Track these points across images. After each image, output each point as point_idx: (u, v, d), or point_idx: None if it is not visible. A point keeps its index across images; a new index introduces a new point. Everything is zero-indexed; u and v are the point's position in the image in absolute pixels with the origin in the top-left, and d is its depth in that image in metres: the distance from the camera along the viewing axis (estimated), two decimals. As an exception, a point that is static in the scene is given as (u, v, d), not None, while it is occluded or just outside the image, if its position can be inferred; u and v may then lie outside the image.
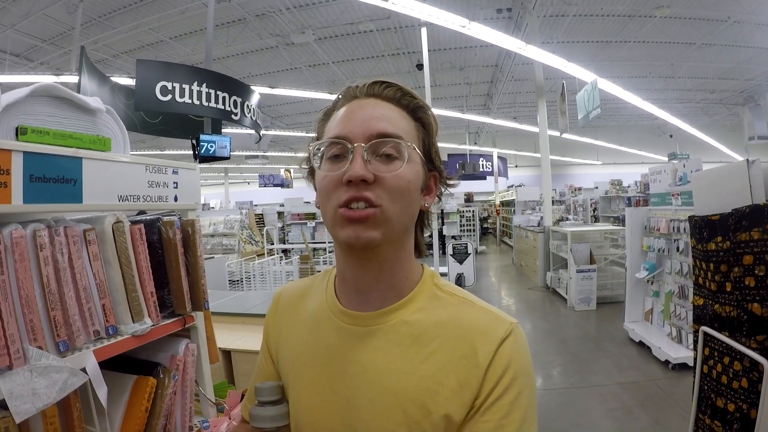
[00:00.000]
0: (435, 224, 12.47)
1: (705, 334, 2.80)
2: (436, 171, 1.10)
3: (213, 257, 11.18)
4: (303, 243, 12.73)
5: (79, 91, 6.06)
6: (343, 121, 1.00)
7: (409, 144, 0.98)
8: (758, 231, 2.46)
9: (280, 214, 17.92)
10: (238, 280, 10.35)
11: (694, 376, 2.91)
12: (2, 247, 1.24)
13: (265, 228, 15.26)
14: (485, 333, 0.96)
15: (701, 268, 2.88)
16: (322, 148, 1.01)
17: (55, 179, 1.41)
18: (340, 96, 1.11)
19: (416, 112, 1.06)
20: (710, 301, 2.77)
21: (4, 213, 1.30)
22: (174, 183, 1.97)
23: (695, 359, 2.90)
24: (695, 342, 2.90)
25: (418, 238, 1.13)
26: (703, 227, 2.84)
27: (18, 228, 1.29)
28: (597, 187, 21.67)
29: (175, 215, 1.97)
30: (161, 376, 1.74)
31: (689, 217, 3.05)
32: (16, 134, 1.41)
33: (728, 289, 2.62)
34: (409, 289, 1.06)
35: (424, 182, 1.05)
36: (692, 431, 2.89)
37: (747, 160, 2.58)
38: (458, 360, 0.94)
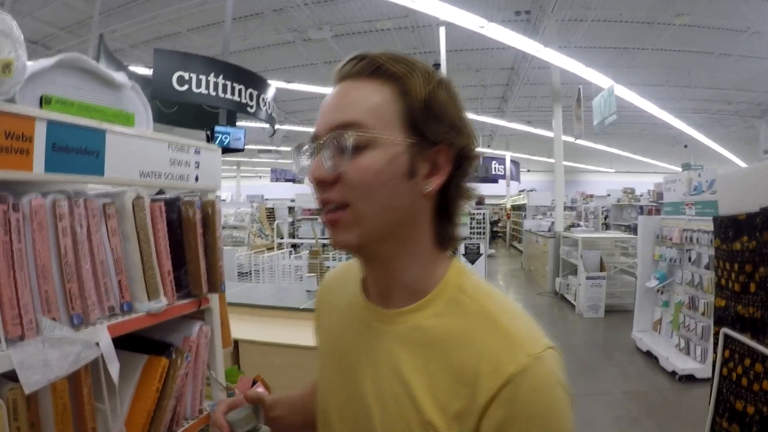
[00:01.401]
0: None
1: (726, 336, 2.77)
2: (444, 143, 0.90)
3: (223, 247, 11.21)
4: (313, 238, 12.76)
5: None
6: (318, 116, 0.94)
7: (352, 133, 0.85)
8: (786, 231, 2.42)
9: (290, 209, 17.96)
10: (247, 273, 10.36)
11: (712, 379, 2.88)
12: (20, 215, 1.22)
13: (276, 222, 15.28)
14: (493, 362, 0.80)
15: (724, 269, 2.84)
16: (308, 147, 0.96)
17: (78, 150, 1.40)
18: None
19: (397, 79, 0.90)
20: (733, 302, 2.74)
21: (25, 181, 1.28)
22: (196, 163, 1.95)
23: (714, 362, 2.87)
24: (715, 344, 2.87)
25: (437, 228, 0.97)
26: (728, 226, 2.80)
27: (38, 197, 1.27)
28: (609, 195, 21.63)
29: (195, 195, 1.96)
30: (174, 356, 1.72)
31: (714, 217, 3.01)
32: (41, 103, 1.40)
33: (752, 290, 2.58)
34: (428, 290, 0.94)
35: (412, 164, 0.88)
36: (709, 434, 2.86)
37: (776, 158, 2.55)
38: (460, 387, 0.82)
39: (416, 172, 0.89)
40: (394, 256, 0.93)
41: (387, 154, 0.86)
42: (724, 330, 2.77)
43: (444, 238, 0.98)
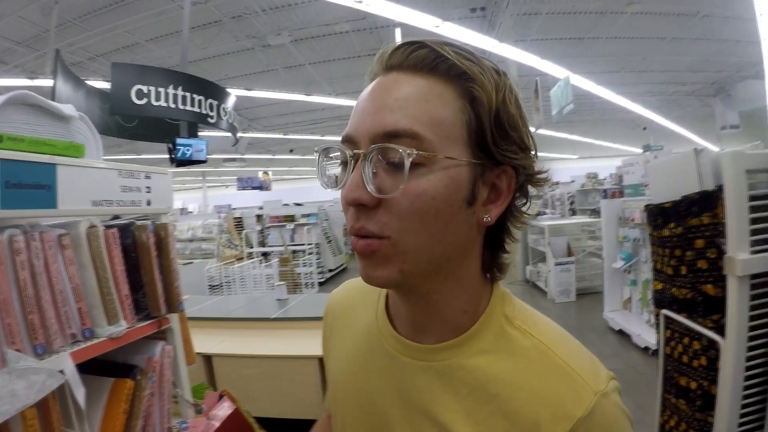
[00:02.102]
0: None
1: (666, 316, 2.90)
2: (509, 164, 0.75)
3: (192, 262, 11.13)
4: (282, 246, 12.77)
5: (53, 95, 6.07)
6: (353, 114, 0.75)
7: (412, 151, 0.66)
8: (708, 216, 2.55)
9: (258, 217, 17.90)
10: (218, 285, 10.30)
11: (658, 358, 3.00)
12: (-22, 253, 1.26)
13: (244, 231, 15.22)
14: (558, 406, 0.70)
15: (658, 254, 2.98)
16: (334, 154, 0.77)
17: (31, 185, 1.43)
18: (369, 72, 0.81)
19: (463, 80, 0.71)
20: (668, 285, 2.87)
21: (-19, 219, 1.31)
22: (147, 187, 1.99)
23: (658, 342, 3.00)
24: (657, 325, 3.00)
25: (487, 259, 0.84)
26: (657, 215, 2.94)
27: (-6, 234, 1.31)
28: (573, 181, 21.88)
29: (148, 219, 2.00)
30: (138, 378, 1.77)
31: (645, 206, 3.15)
32: (-9, 142, 1.44)
33: (683, 273, 2.71)
34: (471, 323, 0.81)
35: (474, 188, 0.73)
36: (659, 410, 2.99)
37: (695, 149, 2.68)
38: None
39: (476, 198, 0.74)
40: (436, 290, 0.79)
41: (447, 176, 0.69)
42: (664, 311, 2.90)
43: (493, 267, 0.85)
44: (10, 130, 1.51)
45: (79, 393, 1.49)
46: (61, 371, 1.42)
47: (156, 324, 1.93)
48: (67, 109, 1.76)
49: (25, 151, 1.47)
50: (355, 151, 0.70)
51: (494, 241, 0.83)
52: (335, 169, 0.79)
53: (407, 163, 0.65)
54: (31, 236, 1.42)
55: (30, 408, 1.32)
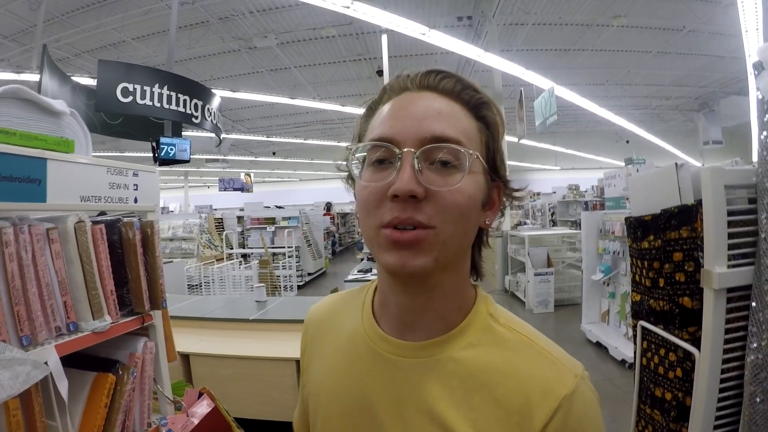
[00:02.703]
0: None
1: (642, 328, 2.95)
2: (501, 180, 0.90)
3: (172, 261, 11.07)
4: (262, 248, 12.75)
5: (39, 90, 6.03)
6: (390, 119, 0.83)
7: (471, 152, 0.79)
8: (686, 229, 2.60)
9: (239, 218, 17.86)
10: (197, 285, 10.28)
11: (635, 369, 3.05)
12: (-32, 243, 1.28)
13: (225, 232, 15.17)
14: (545, 387, 0.79)
15: (637, 266, 3.03)
16: (362, 153, 0.86)
17: (21, 179, 1.46)
18: (387, 87, 0.91)
19: (479, 109, 0.86)
20: (646, 297, 2.92)
21: (-29, 211, 1.33)
22: (134, 185, 2.02)
23: (635, 352, 3.05)
24: (634, 336, 3.04)
25: (475, 259, 0.97)
26: (637, 227, 2.99)
27: (-17, 226, 1.33)
28: (555, 192, 21.97)
29: (134, 216, 2.02)
30: (120, 373, 1.79)
31: (625, 218, 3.20)
32: (-17, 135, 1.46)
33: (661, 285, 2.76)
34: (459, 319, 0.89)
35: (487, 195, 0.86)
36: (634, 421, 3.03)
37: (676, 164, 2.73)
38: (510, 415, 0.79)
39: (485, 204, 0.87)
40: (444, 285, 0.86)
41: (476, 180, 0.82)
42: (641, 323, 2.95)
43: (476, 266, 0.97)
44: (2, 124, 1.53)
45: (63, 386, 1.50)
46: (45, 363, 1.44)
47: (139, 320, 1.95)
48: (59, 104, 1.77)
49: (16, 145, 1.49)
50: (405, 149, 0.78)
51: (478, 243, 0.96)
52: (358, 168, 0.88)
53: (468, 162, 0.78)
54: (20, 229, 1.44)
55: (13, 398, 1.33)
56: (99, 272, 1.71)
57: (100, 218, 1.86)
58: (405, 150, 0.77)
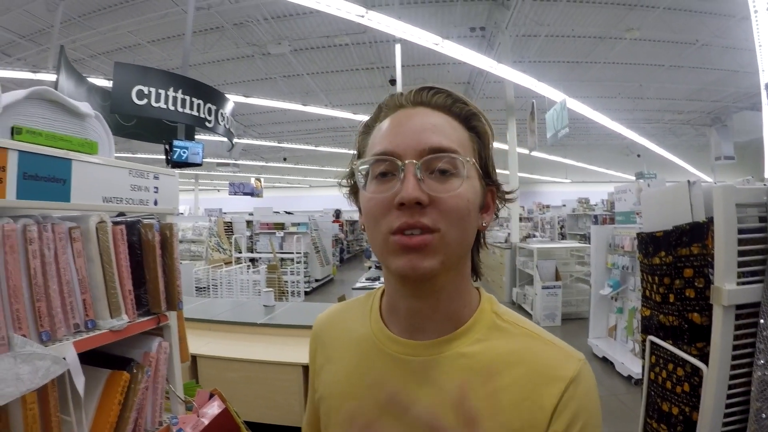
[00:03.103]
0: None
1: (651, 342, 2.96)
2: (494, 185, 0.98)
3: (180, 263, 11.09)
4: (271, 253, 12.77)
5: (56, 90, 6.08)
6: (389, 135, 0.90)
7: (467, 159, 0.87)
8: (698, 246, 2.62)
9: (249, 222, 17.90)
10: (204, 287, 10.30)
11: (642, 383, 3.05)
12: (-7, 239, 1.31)
13: (234, 236, 15.20)
14: (551, 371, 0.87)
15: (647, 281, 3.04)
16: (366, 166, 0.91)
17: (47, 178, 1.49)
18: (383, 105, 0.98)
19: (469, 120, 0.94)
20: (656, 312, 2.93)
21: (-1, 207, 1.36)
22: (155, 188, 2.05)
23: (643, 367, 3.05)
24: (643, 350, 3.05)
25: (475, 260, 1.03)
26: (648, 243, 3.00)
27: (10, 222, 1.36)
28: (565, 205, 21.93)
29: (154, 218, 2.05)
30: (134, 371, 1.81)
31: (637, 234, 3.21)
32: (12, 134, 1.49)
33: (671, 300, 2.77)
34: (466, 318, 0.96)
35: (483, 199, 0.95)
36: (641, 435, 3.03)
37: (688, 181, 2.75)
38: (521, 401, 0.85)
39: (482, 207, 0.94)
40: (450, 285, 0.93)
41: (472, 185, 0.89)
42: (650, 338, 2.96)
43: (476, 267, 1.04)
44: (29, 124, 1.56)
45: (80, 382, 1.53)
46: (64, 359, 1.47)
47: (155, 320, 1.97)
48: (84, 107, 1.81)
49: (42, 145, 1.52)
50: (406, 161, 0.85)
51: (476, 246, 1.02)
52: (363, 180, 0.93)
53: (464, 169, 0.87)
54: (43, 227, 1.47)
55: (31, 392, 1.36)
56: (118, 272, 1.74)
57: (120, 219, 1.88)
58: (407, 161, 0.84)
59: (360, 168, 0.93)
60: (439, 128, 0.88)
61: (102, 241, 1.68)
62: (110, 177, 1.80)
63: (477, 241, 1.01)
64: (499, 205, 1.02)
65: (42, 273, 1.45)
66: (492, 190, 0.98)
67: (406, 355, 0.96)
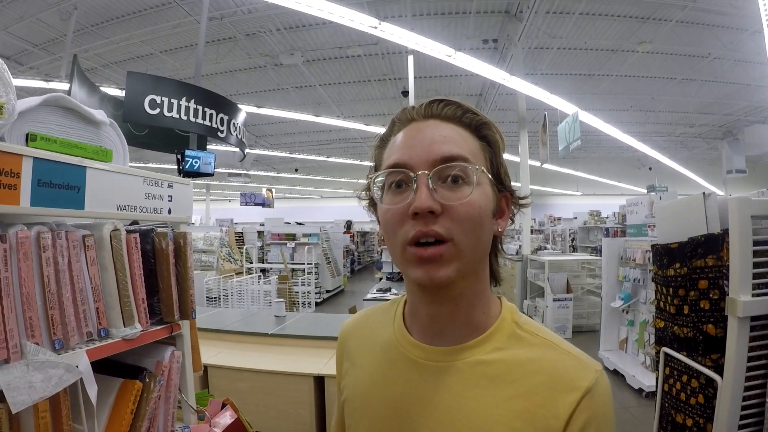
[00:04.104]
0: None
1: (666, 354, 2.95)
2: (507, 191, 1.00)
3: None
4: (282, 263, 12.77)
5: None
6: (402, 147, 0.93)
7: (477, 167, 0.90)
8: (713, 258, 2.61)
9: (260, 233, 17.94)
10: (215, 297, 10.30)
11: (656, 394, 3.04)
12: (8, 245, 1.30)
13: (245, 246, 15.22)
14: (568, 381, 0.88)
15: (662, 293, 3.03)
16: (382, 178, 0.95)
17: (61, 185, 1.48)
18: (396, 119, 1.02)
19: (480, 129, 0.97)
20: (670, 323, 2.92)
21: (12, 214, 1.36)
22: (169, 196, 2.05)
23: (657, 378, 3.04)
24: (657, 362, 3.04)
25: (493, 266, 1.05)
26: (663, 254, 3.00)
27: (23, 229, 1.36)
28: (576, 218, 21.92)
29: (168, 227, 2.04)
30: (147, 380, 1.80)
31: (651, 245, 3.21)
32: (26, 140, 1.49)
33: (686, 312, 2.77)
34: (487, 326, 0.98)
35: (496, 205, 0.96)
36: (655, 447, 3.01)
37: (704, 193, 2.75)
38: (536, 408, 0.87)
39: (495, 213, 0.96)
40: (468, 292, 0.95)
41: (485, 192, 0.91)
42: (664, 349, 2.95)
43: (494, 273, 1.06)
44: (44, 131, 1.56)
45: (92, 390, 1.52)
46: (76, 367, 1.46)
47: (168, 329, 1.96)
48: (99, 114, 1.81)
49: (56, 152, 1.52)
50: (419, 172, 0.88)
51: (494, 251, 1.03)
52: (378, 192, 0.97)
53: (474, 176, 0.89)
54: (57, 234, 1.46)
55: (43, 401, 1.35)
56: (132, 280, 1.73)
57: (134, 227, 1.88)
58: (420, 172, 0.88)
59: (376, 181, 0.96)
60: (449, 138, 0.91)
61: (116, 249, 1.67)
62: (124, 185, 1.79)
63: (494, 247, 1.02)
64: (514, 210, 1.04)
65: (55, 280, 1.45)
66: (506, 196, 1.01)
67: (427, 360, 0.98)
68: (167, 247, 1.91)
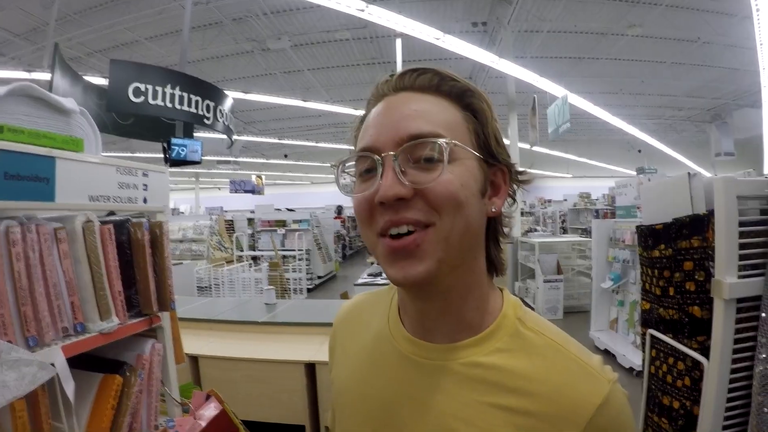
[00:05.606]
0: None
1: (652, 336, 2.95)
2: (503, 165, 0.87)
3: (182, 263, 11.07)
4: (273, 250, 12.74)
5: (51, 89, 6.02)
6: (370, 128, 0.83)
7: (448, 140, 0.76)
8: (698, 239, 2.60)
9: (250, 220, 17.89)
10: (206, 287, 10.27)
11: (643, 377, 3.03)
12: (-25, 242, 1.27)
13: (235, 234, 15.18)
14: (577, 396, 0.76)
15: (647, 274, 3.02)
16: (352, 164, 0.85)
17: (30, 177, 1.44)
18: (370, 97, 0.91)
19: (463, 98, 0.84)
20: (655, 305, 2.91)
21: (-22, 209, 1.32)
22: (144, 185, 2.00)
23: (643, 360, 3.03)
24: (643, 344, 3.03)
25: (491, 252, 0.91)
26: (648, 236, 2.98)
27: (-9, 224, 1.32)
28: (566, 200, 22.02)
29: (143, 217, 2.00)
30: (127, 374, 1.77)
31: (636, 227, 3.19)
32: (-8, 132, 1.44)
33: (671, 294, 2.75)
34: (486, 322, 0.87)
35: (485, 182, 0.83)
36: (641, 429, 3.01)
37: (689, 173, 2.72)
38: (539, 423, 0.76)
39: (485, 191, 0.84)
40: (458, 285, 0.84)
41: (467, 168, 0.79)
42: (650, 331, 2.94)
43: (493, 261, 0.92)
44: (11, 122, 1.51)
45: (69, 387, 1.49)
46: (52, 364, 1.42)
47: (147, 321, 1.93)
48: (68, 102, 1.76)
49: (24, 143, 1.47)
50: (383, 154, 0.77)
51: (492, 238, 0.91)
52: (349, 180, 0.87)
53: (446, 152, 0.75)
54: (27, 228, 1.42)
55: (19, 400, 1.32)
56: (107, 273, 1.70)
57: (108, 218, 1.84)
58: (384, 155, 0.77)
59: (347, 169, 0.87)
60: (420, 112, 0.80)
61: (89, 241, 1.63)
62: (97, 175, 1.75)
63: (493, 230, 0.90)
64: (515, 187, 0.91)
65: (27, 276, 1.41)
66: (503, 171, 0.87)
67: (420, 357, 0.88)
68: (143, 238, 1.87)
